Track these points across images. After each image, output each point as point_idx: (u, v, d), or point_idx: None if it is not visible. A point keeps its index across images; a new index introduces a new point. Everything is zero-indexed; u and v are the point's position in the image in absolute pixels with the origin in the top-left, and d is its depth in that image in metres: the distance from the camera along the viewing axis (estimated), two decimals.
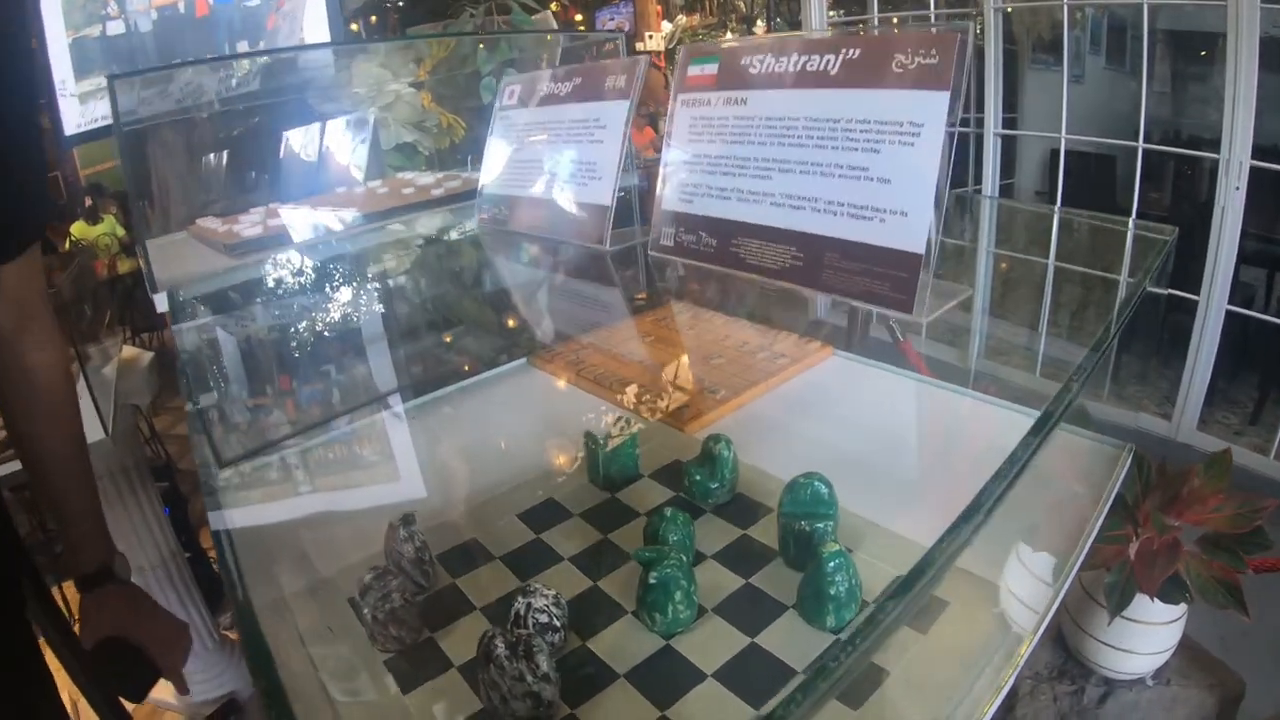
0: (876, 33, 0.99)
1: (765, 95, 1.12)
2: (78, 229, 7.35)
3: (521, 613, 0.74)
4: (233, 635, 2.86)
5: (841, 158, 1.01)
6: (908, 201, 0.94)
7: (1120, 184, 4.05)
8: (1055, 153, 4.02)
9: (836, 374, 1.33)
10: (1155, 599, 1.41)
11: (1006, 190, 4.74)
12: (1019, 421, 1.08)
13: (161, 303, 1.34)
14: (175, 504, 3.25)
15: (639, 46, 11.08)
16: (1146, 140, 3.69)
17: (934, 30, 0.93)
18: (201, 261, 1.86)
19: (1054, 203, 4.01)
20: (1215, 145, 3.31)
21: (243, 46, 3.13)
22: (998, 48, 4.20)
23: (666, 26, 11.28)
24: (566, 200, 1.42)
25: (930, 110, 0.92)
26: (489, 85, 2.46)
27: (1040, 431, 0.66)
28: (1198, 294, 3.41)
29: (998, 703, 0.68)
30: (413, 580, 0.85)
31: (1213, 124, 3.36)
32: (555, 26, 3.45)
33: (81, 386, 2.21)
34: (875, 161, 0.98)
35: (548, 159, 1.47)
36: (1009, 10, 4.24)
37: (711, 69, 1.19)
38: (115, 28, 3.33)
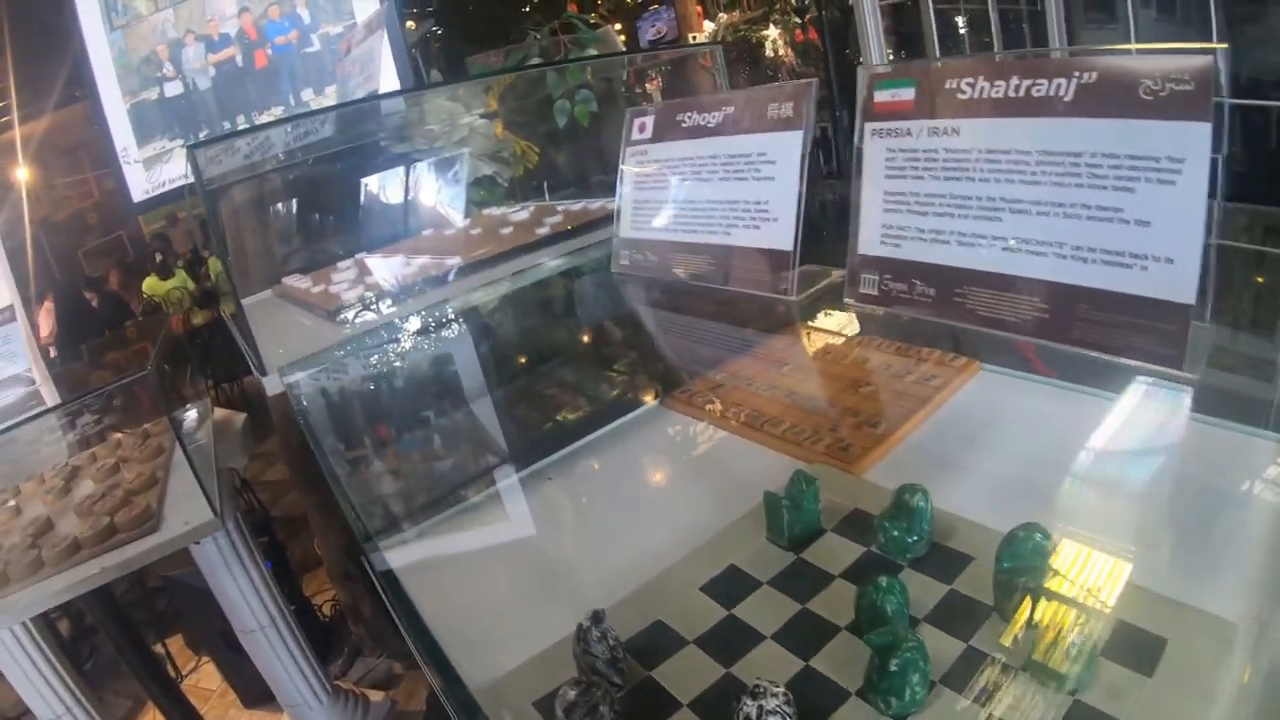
0: (1112, 58, 0.89)
1: (982, 125, 1.01)
2: (149, 285, 7.46)
3: (753, 717, 0.66)
4: (345, 686, 2.85)
5: (1087, 196, 0.92)
6: (1172, 246, 0.85)
7: None
8: None
9: (990, 391, 1.23)
10: None
11: None
12: (1232, 440, 0.97)
13: (273, 385, 1.27)
14: (275, 556, 3.27)
15: None
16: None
17: (1186, 57, 0.83)
18: (299, 328, 1.80)
19: None
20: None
21: (307, 93, 3.10)
22: (1059, 12, 4.04)
23: (709, 26, 11.19)
24: (735, 245, 1.31)
25: (1191, 144, 0.83)
26: (563, 108, 2.42)
27: None
28: None
29: None
30: (609, 681, 0.78)
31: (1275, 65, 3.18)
32: (619, 41, 3.39)
33: (179, 459, 2.17)
34: (1130, 202, 0.88)
35: (704, 199, 1.37)
36: None
37: (906, 94, 1.08)
38: (173, 89, 3.34)
